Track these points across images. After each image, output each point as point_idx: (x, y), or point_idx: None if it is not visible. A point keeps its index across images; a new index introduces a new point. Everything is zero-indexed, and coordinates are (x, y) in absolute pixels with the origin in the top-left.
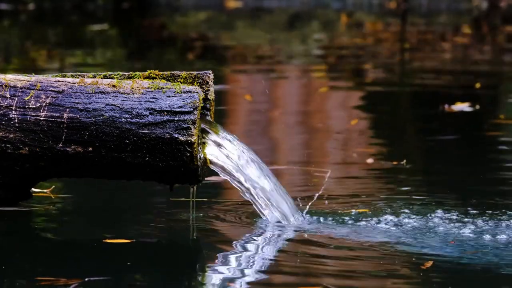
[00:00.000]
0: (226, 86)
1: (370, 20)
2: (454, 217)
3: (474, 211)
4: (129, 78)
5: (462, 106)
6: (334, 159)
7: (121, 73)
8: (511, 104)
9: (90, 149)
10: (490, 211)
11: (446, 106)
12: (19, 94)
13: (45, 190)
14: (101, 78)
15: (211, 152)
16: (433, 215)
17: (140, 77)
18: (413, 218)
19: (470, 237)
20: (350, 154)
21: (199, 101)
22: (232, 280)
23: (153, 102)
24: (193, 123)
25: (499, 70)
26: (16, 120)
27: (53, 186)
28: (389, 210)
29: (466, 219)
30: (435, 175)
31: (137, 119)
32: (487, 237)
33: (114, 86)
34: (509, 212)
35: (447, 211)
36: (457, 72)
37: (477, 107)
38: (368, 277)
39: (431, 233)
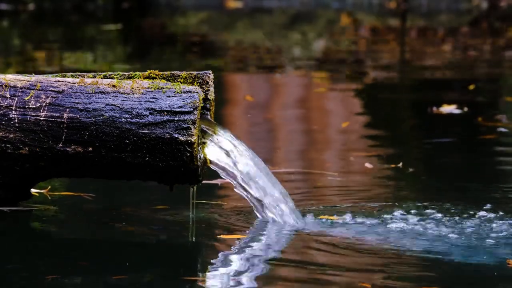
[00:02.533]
0: (226, 86)
1: (370, 20)
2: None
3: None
4: (129, 78)
5: (450, 109)
6: (333, 163)
7: (121, 73)
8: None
9: (90, 149)
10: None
11: (434, 109)
12: (19, 94)
13: (42, 191)
14: (101, 78)
15: (211, 152)
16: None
17: (140, 77)
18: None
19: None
20: (348, 158)
21: (199, 101)
22: (232, 280)
23: (153, 102)
24: (193, 123)
25: (497, 71)
26: (16, 120)
27: (49, 186)
28: (400, 213)
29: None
30: (442, 179)
31: (137, 119)
32: None
33: (114, 86)
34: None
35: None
36: (455, 73)
37: (465, 109)
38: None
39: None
